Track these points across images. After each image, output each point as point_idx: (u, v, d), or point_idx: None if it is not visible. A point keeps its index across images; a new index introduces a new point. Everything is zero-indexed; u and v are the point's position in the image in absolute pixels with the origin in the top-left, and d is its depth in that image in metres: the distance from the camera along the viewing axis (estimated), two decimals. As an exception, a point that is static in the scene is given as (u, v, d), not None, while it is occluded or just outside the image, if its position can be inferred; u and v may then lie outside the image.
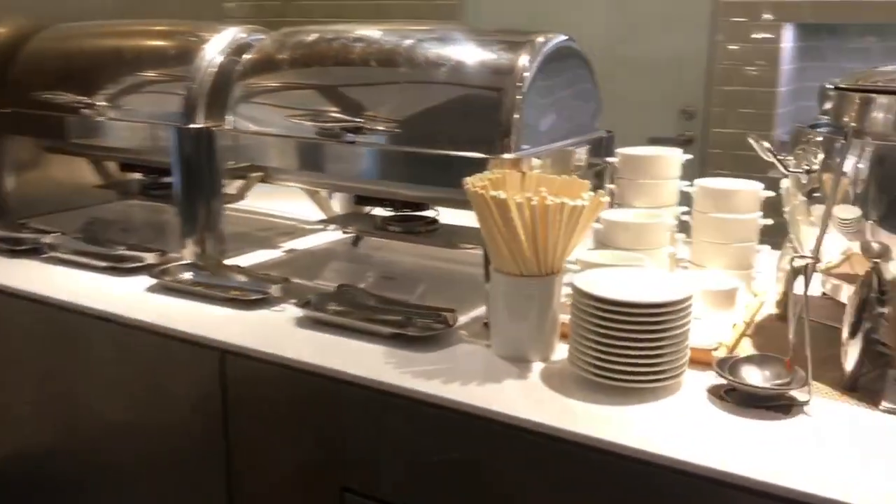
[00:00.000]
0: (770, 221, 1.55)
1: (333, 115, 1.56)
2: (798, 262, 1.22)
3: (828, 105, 1.47)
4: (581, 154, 1.57)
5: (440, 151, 1.45)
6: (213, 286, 1.65)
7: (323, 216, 2.14)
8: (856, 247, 1.26)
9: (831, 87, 1.48)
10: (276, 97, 1.66)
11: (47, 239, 1.91)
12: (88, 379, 1.68)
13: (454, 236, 1.74)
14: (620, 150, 1.64)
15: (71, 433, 1.75)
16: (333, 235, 2.11)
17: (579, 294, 1.24)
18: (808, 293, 1.52)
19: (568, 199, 1.23)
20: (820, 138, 1.31)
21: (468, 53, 1.51)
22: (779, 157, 1.32)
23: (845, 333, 1.23)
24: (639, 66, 3.29)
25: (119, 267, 1.79)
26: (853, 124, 1.20)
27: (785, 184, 1.40)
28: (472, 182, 1.30)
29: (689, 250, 1.61)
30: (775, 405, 1.18)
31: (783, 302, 1.54)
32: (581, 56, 1.61)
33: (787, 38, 3.08)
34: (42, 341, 1.74)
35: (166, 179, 2.12)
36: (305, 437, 1.41)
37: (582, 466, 1.15)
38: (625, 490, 1.13)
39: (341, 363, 1.35)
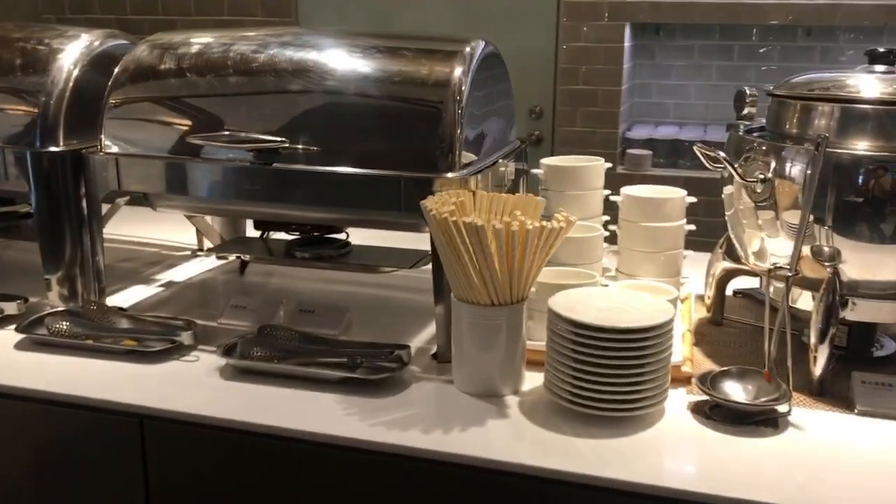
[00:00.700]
0: (693, 227, 1.55)
1: (240, 134, 1.37)
2: (778, 274, 1.22)
3: (748, 110, 1.50)
4: (511, 167, 1.49)
5: (378, 172, 1.32)
6: (103, 336, 1.41)
7: (197, 240, 1.94)
8: (806, 250, 1.28)
9: (749, 92, 1.50)
10: (163, 113, 1.44)
11: None
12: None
13: (370, 259, 1.61)
14: (546, 161, 1.58)
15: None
16: (207, 263, 1.90)
17: (559, 320, 1.16)
18: (725, 293, 1.57)
19: (547, 222, 1.15)
20: (764, 147, 1.32)
21: (395, 63, 1.38)
22: (734, 165, 1.31)
23: (813, 339, 1.24)
24: (483, 66, 3.27)
25: (-31, 322, 1.49)
26: (825, 134, 1.20)
27: (728, 189, 1.40)
28: (435, 207, 1.18)
29: (617, 260, 1.58)
30: (763, 420, 1.17)
31: (714, 306, 1.55)
32: (503, 63, 1.52)
33: (628, 38, 3.18)
34: None
35: (3, 209, 1.85)
36: (248, 507, 1.24)
37: (589, 508, 1.08)
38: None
39: (287, 418, 1.18)
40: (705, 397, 1.20)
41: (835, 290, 1.23)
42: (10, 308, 1.50)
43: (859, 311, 1.26)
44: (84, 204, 1.54)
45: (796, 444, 1.12)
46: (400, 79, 1.36)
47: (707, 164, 1.39)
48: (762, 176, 1.28)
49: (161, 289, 1.74)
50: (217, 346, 1.36)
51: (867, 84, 1.27)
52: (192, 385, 1.29)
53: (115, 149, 1.46)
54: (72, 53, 1.57)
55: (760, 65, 3.40)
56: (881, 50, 1.33)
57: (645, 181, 2.22)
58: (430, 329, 1.51)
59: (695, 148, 1.39)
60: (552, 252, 1.20)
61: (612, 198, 1.57)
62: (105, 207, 1.60)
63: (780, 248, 1.30)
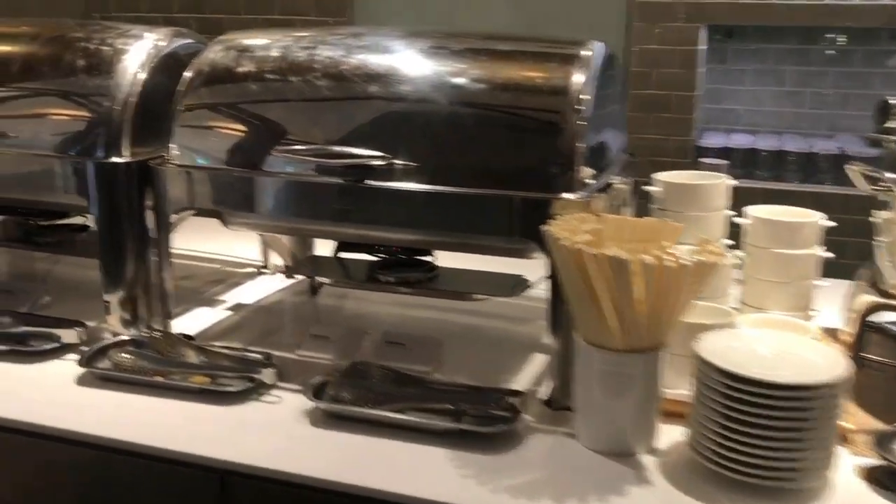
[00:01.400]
0: (832, 255, 1.37)
1: (331, 148, 1.21)
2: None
3: (893, 123, 1.32)
4: (629, 185, 1.32)
5: (488, 191, 1.15)
6: (172, 372, 1.26)
7: (262, 256, 1.79)
8: None
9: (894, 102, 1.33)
10: (241, 122, 1.29)
11: None
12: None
13: (459, 284, 1.45)
14: (662, 177, 1.41)
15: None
16: (275, 282, 1.75)
17: (711, 370, 0.99)
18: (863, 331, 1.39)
19: (704, 255, 0.98)
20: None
21: (504, 68, 1.22)
22: (903, 189, 1.13)
23: None
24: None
25: (24, 350, 1.34)
26: None
27: (887, 215, 1.22)
28: (565, 235, 1.01)
29: (742, 290, 1.40)
30: (953, 491, 0.99)
31: (855, 345, 1.37)
32: (620, 67, 1.36)
33: (703, 41, 2.99)
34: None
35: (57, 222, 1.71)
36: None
37: None
38: None
39: (390, 477, 1.03)
40: (879, 462, 1.02)
41: None
42: (69, 336, 1.36)
43: None
44: (148, 220, 1.39)
45: None
46: (511, 86, 1.20)
47: (860, 185, 1.21)
48: (939, 201, 1.11)
49: (228, 312, 1.59)
50: (302, 385, 1.20)
51: None
52: (278, 433, 1.13)
53: (187, 160, 1.31)
54: (137, 55, 1.43)
55: (841, 69, 3.20)
56: None
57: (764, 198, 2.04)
58: (534, 366, 1.35)
59: (847, 167, 1.22)
60: (703, 290, 1.03)
61: (737, 219, 1.40)
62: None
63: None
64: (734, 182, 1.42)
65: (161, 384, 1.23)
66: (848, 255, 1.40)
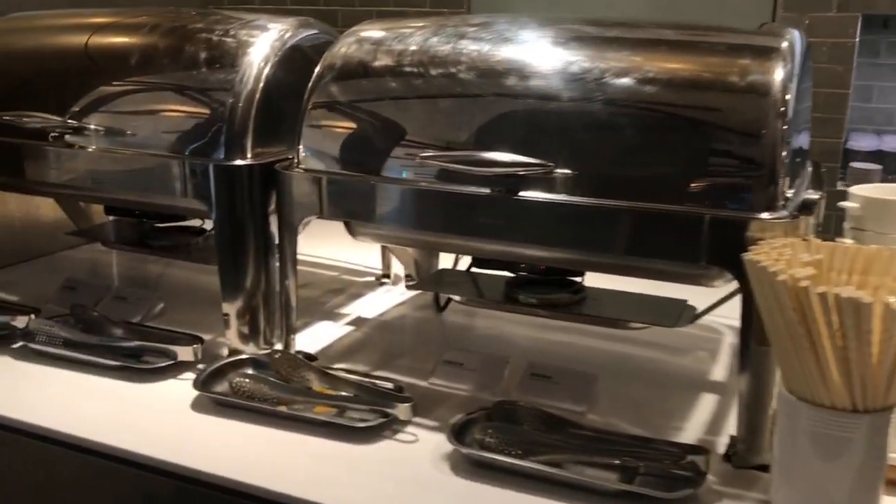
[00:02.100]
0: None
1: (485, 155, 1.05)
2: None
3: None
4: (823, 201, 1.12)
5: (673, 208, 0.97)
6: (294, 400, 1.13)
7: (383, 264, 1.66)
8: None
9: None
10: (379, 124, 1.15)
11: (19, 321, 1.34)
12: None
13: (610, 308, 1.27)
14: (859, 192, 1.20)
15: None
16: (396, 293, 1.61)
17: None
18: None
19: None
20: None
21: (686, 63, 1.03)
22: None
23: None
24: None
25: (137, 367, 1.24)
26: None
27: None
28: (780, 267, 0.83)
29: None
30: None
31: None
32: (810, 56, 1.15)
33: (858, 32, 2.71)
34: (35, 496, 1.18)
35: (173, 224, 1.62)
36: None
37: None
38: None
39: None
40: None
41: None
42: (185, 353, 1.25)
43: None
44: (271, 226, 1.27)
45: None
46: (696, 84, 1.01)
47: None
48: None
49: (349, 328, 1.45)
50: (438, 422, 1.06)
51: None
52: (414, 480, 0.98)
53: (316, 165, 1.18)
54: (261, 47, 1.30)
55: None
56: None
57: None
58: (704, 410, 1.16)
59: None
60: (951, 339, 0.83)
61: (952, 244, 1.18)
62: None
63: None
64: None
65: (283, 414, 1.10)
66: None
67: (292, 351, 1.25)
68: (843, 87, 2.72)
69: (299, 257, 1.24)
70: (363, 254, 1.75)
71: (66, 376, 1.24)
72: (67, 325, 1.32)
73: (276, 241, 1.27)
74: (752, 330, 0.96)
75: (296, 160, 1.20)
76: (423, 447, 1.05)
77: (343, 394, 1.14)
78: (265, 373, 1.19)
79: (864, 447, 0.86)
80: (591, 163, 1.02)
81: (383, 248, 1.67)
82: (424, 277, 1.46)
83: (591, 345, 1.36)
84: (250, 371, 1.20)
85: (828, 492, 0.87)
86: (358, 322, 1.48)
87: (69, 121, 1.33)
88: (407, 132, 1.12)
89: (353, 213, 1.17)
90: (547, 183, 1.02)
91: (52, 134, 1.35)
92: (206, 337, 1.31)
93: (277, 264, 1.27)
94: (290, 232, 1.22)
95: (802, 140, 1.10)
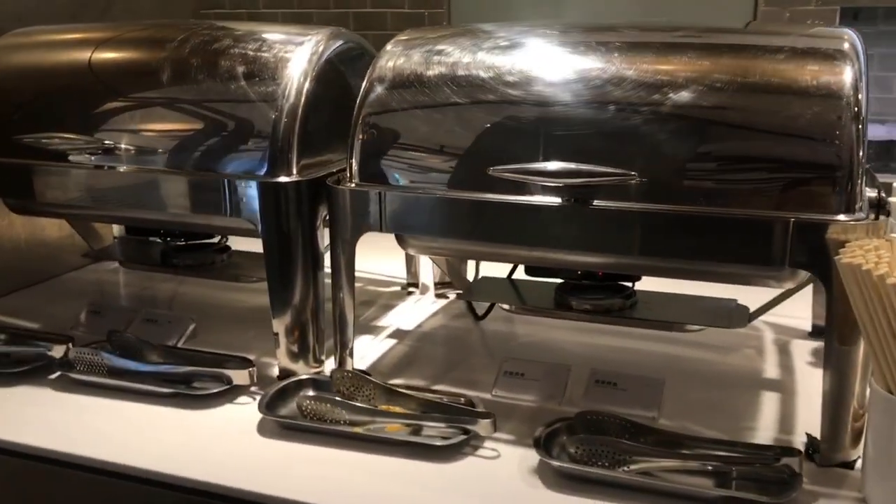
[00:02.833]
0: None
1: (553, 165, 1.04)
2: None
3: None
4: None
5: (755, 213, 0.98)
6: (364, 421, 1.11)
7: (408, 273, 1.65)
8: None
9: None
10: (439, 135, 1.13)
11: (56, 351, 1.30)
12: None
13: (662, 310, 1.28)
14: (906, 187, 1.22)
15: None
16: (426, 302, 1.60)
17: None
18: None
19: None
20: None
21: (756, 67, 1.03)
22: None
23: None
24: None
25: (192, 394, 1.21)
26: None
27: None
28: (871, 266, 0.84)
29: None
30: None
31: None
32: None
33: (837, 25, 2.77)
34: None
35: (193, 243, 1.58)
36: None
37: None
38: None
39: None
40: None
41: None
42: (240, 377, 1.21)
43: None
44: (319, 241, 1.25)
45: None
46: (768, 88, 1.02)
47: None
48: None
49: (391, 341, 1.44)
50: (514, 435, 1.05)
51: None
52: (510, 498, 0.97)
53: (372, 179, 1.16)
54: (300, 61, 1.27)
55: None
56: None
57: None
58: (768, 408, 1.18)
59: None
60: None
61: None
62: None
63: None
64: None
65: (359, 436, 1.08)
66: None
67: (348, 368, 1.23)
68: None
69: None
70: (383, 263, 1.73)
71: (114, 406, 1.20)
72: (106, 353, 1.28)
73: (324, 257, 1.25)
74: (835, 330, 0.97)
75: (348, 174, 1.18)
76: (506, 462, 1.04)
77: (413, 411, 1.12)
78: (327, 393, 1.17)
79: (963, 442, 0.87)
80: (669, 171, 1.02)
81: (409, 258, 1.65)
82: (468, 287, 1.45)
83: (639, 348, 1.37)
84: (311, 392, 1.18)
85: (928, 488, 0.89)
86: (398, 335, 1.46)
87: (106, 142, 1.28)
88: (468, 144, 1.11)
89: (415, 226, 1.15)
90: (622, 191, 1.02)
91: (85, 154, 1.30)
92: (250, 356, 1.28)
93: (327, 280, 1.25)
94: (344, 247, 1.20)
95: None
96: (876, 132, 2.94)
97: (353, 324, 1.23)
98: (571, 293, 1.29)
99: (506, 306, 1.37)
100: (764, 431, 1.11)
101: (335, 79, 1.33)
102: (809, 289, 1.32)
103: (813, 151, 0.98)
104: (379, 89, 1.17)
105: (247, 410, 1.17)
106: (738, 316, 1.25)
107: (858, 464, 1.00)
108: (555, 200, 1.05)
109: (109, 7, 1.84)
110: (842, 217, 0.96)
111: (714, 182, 1.01)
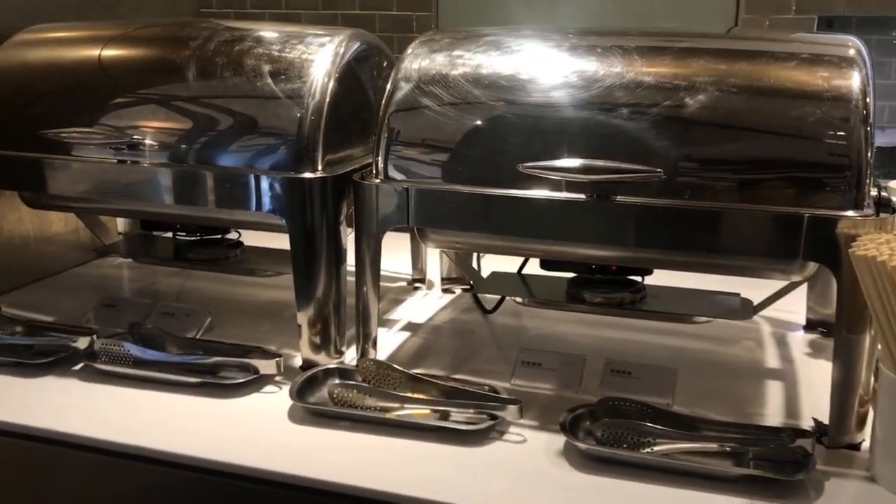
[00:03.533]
0: None
1: (579, 162, 1.10)
2: None
3: None
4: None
5: (772, 209, 1.04)
6: (391, 407, 1.15)
7: (414, 269, 1.69)
8: None
9: None
10: (463, 135, 1.18)
11: (80, 342, 1.32)
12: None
13: (671, 303, 1.34)
14: (901, 187, 1.29)
15: None
16: (433, 297, 1.65)
17: None
18: None
19: None
20: None
21: (770, 72, 1.09)
22: None
23: None
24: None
25: (220, 383, 1.24)
26: None
27: None
28: (886, 257, 0.90)
29: None
30: None
31: None
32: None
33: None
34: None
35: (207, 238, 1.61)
36: None
37: None
38: None
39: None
40: None
41: None
42: (267, 367, 1.25)
43: None
44: (342, 236, 1.29)
45: None
46: (782, 92, 1.08)
47: None
48: None
49: (405, 333, 1.48)
50: (537, 421, 1.10)
51: None
52: (538, 478, 1.02)
53: (399, 175, 1.20)
54: (324, 61, 1.31)
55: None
56: None
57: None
58: (773, 395, 1.24)
59: None
60: None
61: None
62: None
63: None
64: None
65: (390, 422, 1.12)
66: None
67: (369, 359, 1.27)
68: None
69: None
70: (388, 258, 1.76)
71: (144, 396, 1.23)
72: (130, 344, 1.30)
73: (347, 251, 1.29)
74: (844, 320, 1.03)
75: (374, 170, 1.22)
76: (532, 446, 1.09)
77: (439, 398, 1.17)
78: (354, 381, 1.21)
79: (966, 422, 0.94)
80: (691, 169, 1.07)
81: (416, 253, 1.70)
82: (481, 281, 1.49)
83: (645, 340, 1.43)
84: (338, 380, 1.22)
85: (934, 465, 0.96)
86: (411, 328, 1.50)
87: (134, 136, 1.31)
88: (493, 141, 1.16)
89: (441, 221, 1.20)
90: (645, 188, 1.08)
91: (109, 149, 1.33)
92: (270, 348, 1.32)
93: (349, 276, 1.29)
94: (369, 241, 1.24)
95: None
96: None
97: (376, 317, 1.27)
98: (584, 287, 1.34)
99: (519, 300, 1.42)
100: (772, 417, 1.17)
101: (355, 78, 1.37)
102: (804, 285, 1.40)
103: (825, 152, 1.04)
104: (405, 88, 1.22)
105: (275, 398, 1.21)
106: (743, 309, 1.31)
107: (864, 445, 1.06)
108: (580, 196, 1.10)
109: (116, 5, 1.86)
110: (852, 213, 1.02)
111: (733, 179, 1.06)
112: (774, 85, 1.08)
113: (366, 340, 1.29)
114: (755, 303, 1.34)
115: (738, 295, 1.35)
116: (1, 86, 1.43)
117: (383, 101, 1.23)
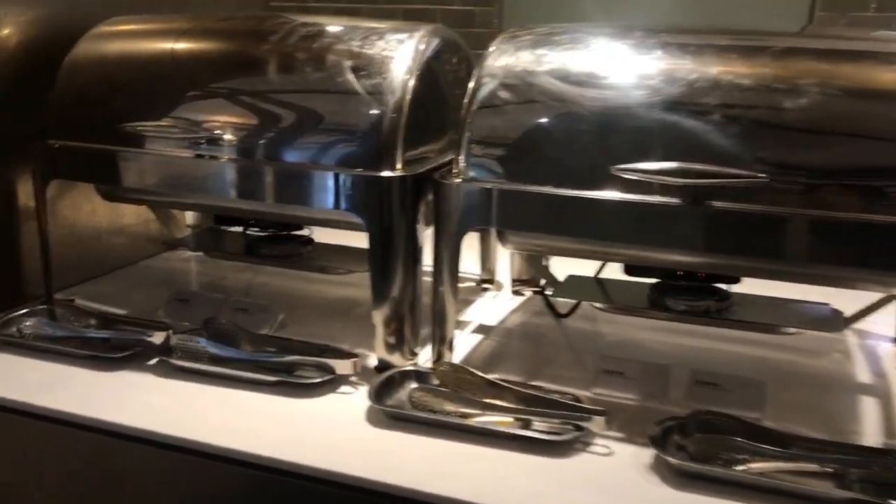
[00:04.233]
0: None
1: (676, 165, 1.06)
2: None
3: None
4: None
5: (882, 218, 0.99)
6: (473, 413, 1.12)
7: (482, 269, 1.66)
8: None
9: None
10: (552, 134, 1.14)
11: (156, 337, 1.31)
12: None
13: (758, 313, 1.29)
14: None
15: None
16: (503, 299, 1.62)
17: None
18: None
19: None
20: None
21: (869, 73, 1.05)
22: None
23: None
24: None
25: (297, 382, 1.22)
26: None
27: None
28: None
29: None
30: None
31: None
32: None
33: (894, 31, 2.77)
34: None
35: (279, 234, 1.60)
36: None
37: None
38: None
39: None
40: None
41: None
42: (343, 367, 1.23)
43: None
44: (419, 235, 1.27)
45: None
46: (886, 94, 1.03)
47: None
48: None
49: (477, 335, 1.45)
50: (623, 433, 1.06)
51: None
52: (626, 492, 0.99)
53: (482, 174, 1.17)
54: (405, 57, 1.28)
55: None
56: None
57: None
58: (868, 411, 1.19)
59: None
60: None
61: None
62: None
63: None
64: None
65: (474, 429, 1.09)
66: None
67: (447, 361, 1.25)
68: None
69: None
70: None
71: (219, 393, 1.22)
72: (205, 340, 1.29)
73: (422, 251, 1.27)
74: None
75: (455, 169, 1.20)
76: (620, 458, 1.05)
77: (519, 405, 1.14)
78: (432, 385, 1.18)
79: None
80: (795, 174, 1.02)
81: (485, 253, 1.67)
82: (558, 285, 1.46)
83: (729, 349, 1.38)
84: (415, 383, 1.20)
85: None
86: (483, 330, 1.48)
87: (214, 132, 1.30)
88: (582, 141, 1.12)
89: (526, 224, 1.17)
90: (744, 193, 1.03)
91: (187, 143, 1.32)
92: (343, 346, 1.30)
93: (429, 277, 1.27)
94: (448, 242, 1.21)
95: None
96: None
97: (453, 319, 1.25)
98: (667, 293, 1.30)
99: (598, 305, 1.38)
100: (870, 436, 1.12)
101: (435, 75, 1.34)
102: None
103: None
104: (489, 85, 1.19)
105: (352, 400, 1.19)
106: (835, 320, 1.26)
107: (973, 471, 1.01)
108: (674, 201, 1.06)
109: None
110: (965, 224, 0.97)
111: (844, 187, 1.01)
112: (885, 87, 1.03)
113: (441, 342, 1.26)
114: (845, 313, 1.29)
115: (827, 305, 1.30)
116: (80, 78, 1.43)
117: (466, 99, 1.20)
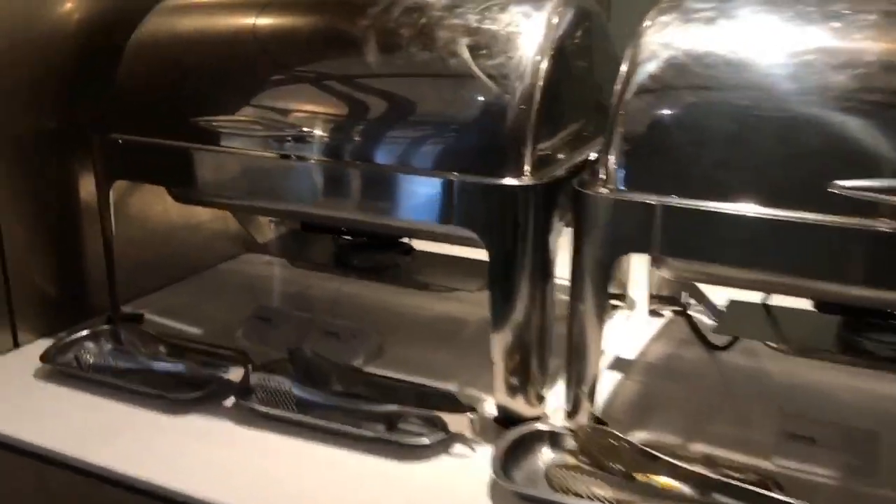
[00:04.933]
0: None
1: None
2: None
3: None
4: None
5: None
6: (628, 500, 0.87)
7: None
8: None
9: None
10: (737, 137, 0.86)
11: (233, 373, 1.10)
12: None
13: None
14: None
15: None
16: (639, 323, 1.35)
17: None
18: None
19: None
20: None
21: None
22: None
23: None
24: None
25: (402, 443, 0.99)
26: None
27: None
28: None
29: None
30: None
31: None
32: None
33: None
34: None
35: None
36: None
37: None
38: None
39: None
40: None
41: None
42: (457, 424, 0.98)
43: None
44: (551, 252, 1.01)
45: None
46: None
47: None
48: None
49: (614, 374, 1.19)
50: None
51: None
52: None
53: (637, 186, 0.90)
54: (534, 34, 1.02)
55: None
56: None
57: None
58: None
59: None
60: None
61: None
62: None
63: None
64: None
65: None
66: None
67: (586, 415, 0.99)
68: None
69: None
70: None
71: (301, 449, 1.00)
72: (291, 380, 1.08)
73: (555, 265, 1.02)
74: None
75: (602, 177, 0.93)
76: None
77: (686, 488, 0.88)
78: (568, 447, 0.93)
79: None
80: None
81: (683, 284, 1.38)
82: (722, 316, 1.18)
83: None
84: (548, 447, 0.95)
85: None
86: (621, 366, 1.21)
87: (302, 129, 1.07)
88: (784, 148, 0.84)
89: (708, 252, 0.89)
90: None
91: (272, 142, 1.10)
92: (449, 387, 1.07)
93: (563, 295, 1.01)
94: (595, 268, 0.94)
95: None
96: None
97: (597, 360, 0.99)
98: (861, 333, 1.02)
99: (774, 345, 1.11)
100: None
101: (571, 55, 1.08)
102: None
103: None
104: (649, 69, 0.91)
105: (468, 466, 0.95)
106: None
107: None
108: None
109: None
110: None
111: None
112: None
113: (578, 384, 1.00)
114: None
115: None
116: (147, 63, 1.22)
117: (618, 87, 0.93)
